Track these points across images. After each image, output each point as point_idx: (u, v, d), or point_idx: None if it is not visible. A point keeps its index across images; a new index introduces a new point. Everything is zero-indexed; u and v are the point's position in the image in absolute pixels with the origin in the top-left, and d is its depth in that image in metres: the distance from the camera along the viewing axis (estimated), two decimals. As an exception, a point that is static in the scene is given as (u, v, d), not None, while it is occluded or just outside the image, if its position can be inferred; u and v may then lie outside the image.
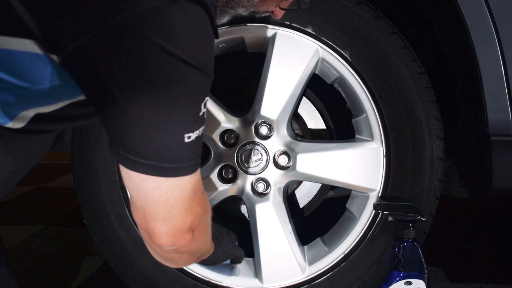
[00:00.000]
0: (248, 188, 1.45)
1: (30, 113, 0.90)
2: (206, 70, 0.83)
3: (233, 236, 1.30)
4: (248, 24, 1.39)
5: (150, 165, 0.83)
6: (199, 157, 0.90)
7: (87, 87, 0.83)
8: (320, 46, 1.38)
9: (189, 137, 0.84)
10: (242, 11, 1.00)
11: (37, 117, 0.91)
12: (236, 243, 1.32)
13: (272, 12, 1.06)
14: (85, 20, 0.76)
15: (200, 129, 0.86)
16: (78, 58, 0.79)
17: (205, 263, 1.21)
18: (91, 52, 0.77)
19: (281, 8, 1.03)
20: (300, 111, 1.68)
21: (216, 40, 1.40)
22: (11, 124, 0.89)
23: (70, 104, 0.91)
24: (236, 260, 1.34)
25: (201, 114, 0.85)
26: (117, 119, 0.81)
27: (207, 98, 0.87)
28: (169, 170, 0.84)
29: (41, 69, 0.83)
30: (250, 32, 1.40)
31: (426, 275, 1.31)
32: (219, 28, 1.39)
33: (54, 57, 0.81)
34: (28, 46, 0.80)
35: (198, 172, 0.90)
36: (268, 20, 1.38)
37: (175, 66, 0.79)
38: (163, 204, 0.86)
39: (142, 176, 0.84)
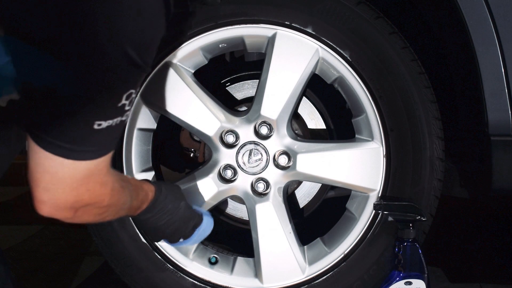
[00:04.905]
0: (248, 188, 1.45)
1: None
2: (139, 63, 0.80)
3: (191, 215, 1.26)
4: (248, 24, 1.39)
5: (51, 142, 0.81)
6: (108, 146, 0.87)
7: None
8: (320, 46, 1.38)
9: (99, 125, 0.81)
10: None
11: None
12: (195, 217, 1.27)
13: None
14: None
15: (115, 120, 0.83)
16: (22, 25, 0.76)
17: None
18: (35, 19, 0.75)
19: None
20: (300, 111, 1.68)
21: (215, 40, 1.42)
22: None
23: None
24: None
25: (120, 105, 0.82)
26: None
27: (133, 91, 0.83)
28: (68, 152, 0.82)
29: None
30: (250, 32, 1.40)
31: (426, 275, 1.31)
32: (219, 29, 1.39)
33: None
34: None
35: (102, 160, 0.88)
36: (268, 20, 1.38)
37: (107, 49, 0.75)
38: (49, 175, 0.85)
39: (40, 148, 0.83)
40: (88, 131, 0.81)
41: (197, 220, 1.27)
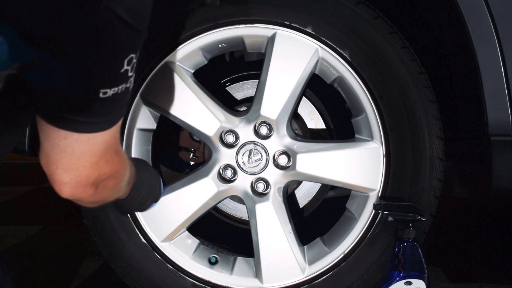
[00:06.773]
0: (248, 188, 1.45)
1: None
2: (135, 25, 0.78)
3: (156, 185, 1.31)
4: (247, 24, 1.39)
5: (62, 117, 0.80)
6: (117, 115, 0.87)
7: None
8: (320, 46, 1.38)
9: (104, 93, 0.80)
10: None
11: None
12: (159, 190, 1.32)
13: None
14: None
15: (120, 87, 0.82)
16: (22, 25, 0.75)
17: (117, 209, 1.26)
18: (35, 19, 0.73)
19: None
20: (300, 111, 1.68)
21: (215, 40, 1.42)
22: None
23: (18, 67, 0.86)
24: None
25: (122, 71, 0.80)
26: (41, 65, 0.78)
27: (133, 55, 0.82)
28: (82, 125, 0.82)
29: None
30: (249, 32, 1.40)
31: (426, 275, 1.31)
32: (218, 29, 1.39)
33: None
34: None
35: (114, 129, 0.88)
36: (267, 20, 1.38)
37: (100, 15, 0.74)
38: (67, 155, 0.84)
39: (52, 126, 0.82)
40: (96, 100, 0.80)
41: (159, 179, 1.31)
